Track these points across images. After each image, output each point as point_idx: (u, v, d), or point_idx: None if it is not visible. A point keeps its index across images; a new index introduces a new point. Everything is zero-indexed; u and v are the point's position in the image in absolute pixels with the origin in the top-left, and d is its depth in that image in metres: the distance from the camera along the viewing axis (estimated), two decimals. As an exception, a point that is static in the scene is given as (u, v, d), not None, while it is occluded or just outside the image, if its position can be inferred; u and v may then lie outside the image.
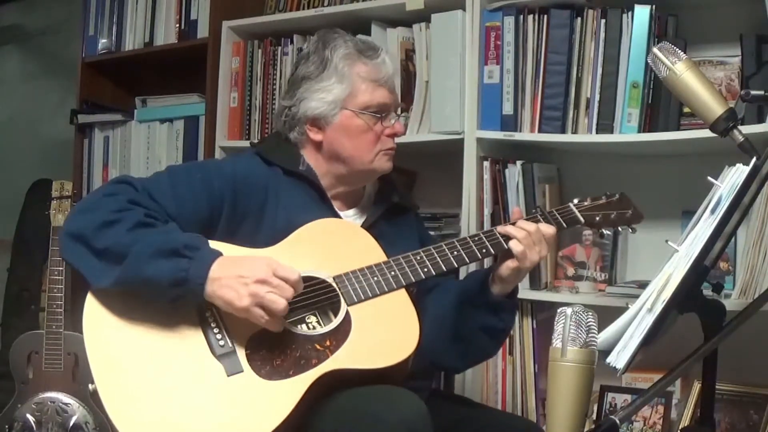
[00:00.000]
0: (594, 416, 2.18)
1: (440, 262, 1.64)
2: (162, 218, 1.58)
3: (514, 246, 1.64)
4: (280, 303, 1.47)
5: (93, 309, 1.54)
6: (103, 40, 3.13)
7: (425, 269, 1.63)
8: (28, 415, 2.58)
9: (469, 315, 1.73)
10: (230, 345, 1.52)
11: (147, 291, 1.50)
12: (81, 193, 3.17)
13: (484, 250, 1.66)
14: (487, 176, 2.32)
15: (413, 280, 1.62)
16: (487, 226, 2.31)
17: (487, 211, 2.32)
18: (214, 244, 1.56)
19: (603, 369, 1.32)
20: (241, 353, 1.51)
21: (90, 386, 1.51)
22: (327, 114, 1.73)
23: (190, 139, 2.96)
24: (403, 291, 1.61)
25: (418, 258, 1.64)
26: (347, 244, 1.66)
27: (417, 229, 1.92)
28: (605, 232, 1.79)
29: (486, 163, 2.32)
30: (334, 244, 1.65)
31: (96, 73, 3.20)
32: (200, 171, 1.69)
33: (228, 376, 1.48)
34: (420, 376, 1.69)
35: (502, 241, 1.66)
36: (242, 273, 1.48)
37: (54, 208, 2.73)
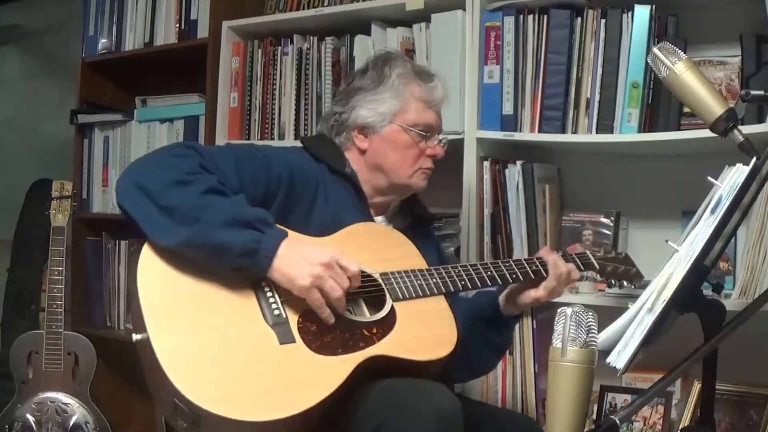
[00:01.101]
0: (594, 416, 2.18)
1: (476, 278, 1.75)
2: (231, 188, 1.60)
3: (549, 283, 1.77)
4: (337, 290, 1.53)
5: (149, 259, 1.54)
6: (103, 40, 3.13)
7: (463, 282, 1.73)
8: (28, 415, 2.58)
9: (477, 330, 1.82)
10: (284, 315, 1.54)
11: (213, 257, 1.51)
12: (81, 193, 3.17)
13: (514, 276, 1.78)
14: (487, 176, 2.32)
15: (452, 290, 1.72)
16: (487, 226, 2.31)
17: (487, 211, 2.32)
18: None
19: (603, 369, 1.33)
20: (293, 324, 1.54)
21: (134, 336, 1.49)
22: (376, 124, 1.82)
23: (190, 139, 2.95)
24: (442, 297, 1.70)
25: (457, 271, 1.74)
26: (392, 248, 1.75)
27: (436, 242, 2.04)
28: (613, 282, 1.94)
29: (486, 163, 2.32)
30: (381, 246, 1.74)
31: (96, 73, 3.20)
32: (261, 153, 1.73)
33: (280, 344, 1.51)
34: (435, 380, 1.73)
35: (531, 272, 1.78)
36: (308, 255, 1.53)
37: (54, 208, 2.73)
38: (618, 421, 1.17)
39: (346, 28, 2.63)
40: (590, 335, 1.36)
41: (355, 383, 1.51)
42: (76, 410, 2.59)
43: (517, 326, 2.27)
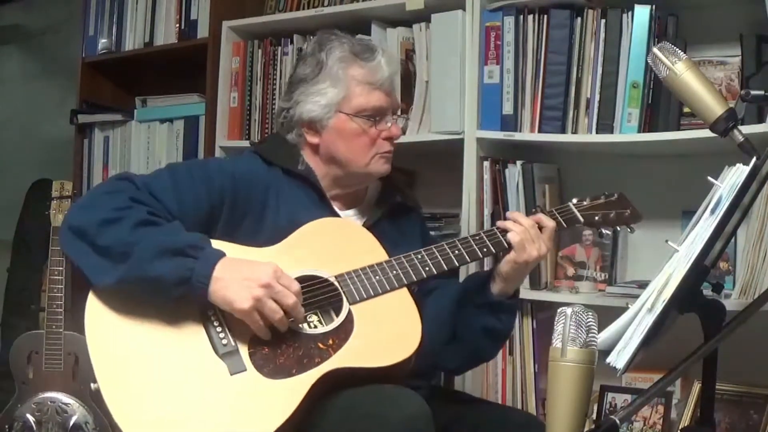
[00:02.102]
0: (594, 416, 2.18)
1: (441, 261, 1.65)
2: (164, 216, 1.58)
3: (512, 237, 1.66)
4: (278, 313, 1.49)
5: (95, 308, 1.54)
6: (103, 40, 3.13)
7: (426, 268, 1.64)
8: (28, 415, 2.57)
9: (469, 315, 1.73)
10: (233, 344, 1.52)
11: (151, 290, 1.50)
12: (81, 193, 3.16)
13: (485, 249, 1.67)
14: (487, 176, 2.32)
15: (414, 279, 1.63)
16: (487, 226, 2.31)
17: (487, 211, 2.32)
18: (216, 244, 1.56)
19: (603, 369, 1.32)
20: (243, 352, 1.51)
21: (92, 385, 1.50)
22: (322, 117, 1.73)
23: (190, 139, 2.96)
24: (404, 290, 1.62)
25: (420, 257, 1.65)
26: (348, 244, 1.67)
27: (419, 229, 1.92)
28: (604, 231, 1.80)
29: (486, 163, 2.32)
30: (336, 244, 1.66)
31: (96, 73, 3.19)
32: (201, 169, 1.70)
33: (231, 374, 1.49)
34: (420, 375, 1.70)
35: (503, 240, 1.68)
36: (246, 275, 1.49)
37: (54, 208, 2.72)
38: (618, 421, 1.17)
39: (346, 28, 2.60)
40: (590, 335, 1.35)
41: (317, 399, 1.47)
42: (76, 410, 2.58)
43: (517, 326, 2.28)
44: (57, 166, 3.47)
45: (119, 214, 1.53)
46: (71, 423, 2.57)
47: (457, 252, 1.66)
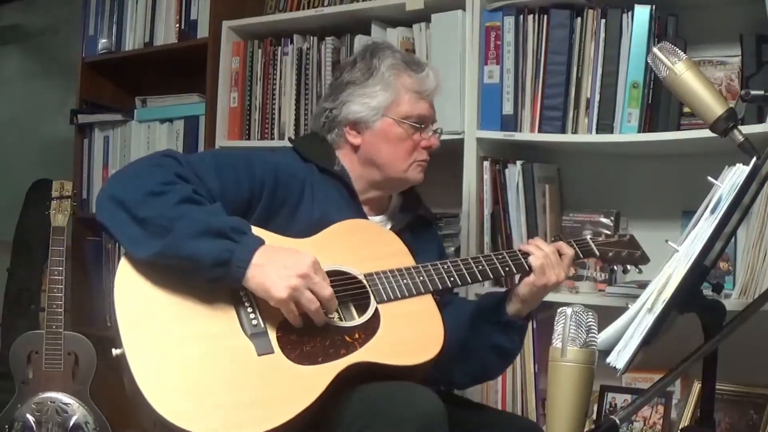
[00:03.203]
0: (594, 416, 2.18)
1: (466, 274, 1.70)
2: (207, 197, 1.59)
3: (533, 261, 1.70)
4: (315, 303, 1.50)
5: (126, 273, 1.53)
6: (103, 40, 3.13)
7: (452, 278, 1.68)
8: (28, 415, 2.58)
9: (482, 332, 1.78)
10: (262, 325, 1.53)
11: (187, 268, 1.49)
12: (81, 193, 3.17)
13: (507, 268, 1.72)
14: (487, 176, 2.32)
15: (440, 287, 1.67)
16: (487, 226, 2.31)
17: (487, 211, 2.32)
18: (254, 231, 1.57)
19: (603, 369, 1.32)
20: (272, 335, 1.52)
21: (114, 351, 1.49)
22: (368, 119, 1.78)
23: (190, 139, 2.96)
24: (429, 296, 1.66)
25: (446, 267, 1.69)
26: (378, 246, 1.71)
27: (437, 243, 1.98)
28: (615, 268, 1.88)
29: (486, 163, 2.32)
30: (366, 244, 1.70)
31: (96, 73, 3.20)
32: (244, 157, 1.71)
33: (258, 355, 1.49)
34: (430, 382, 1.71)
35: (524, 262, 1.72)
36: (286, 264, 1.50)
37: (54, 208, 2.73)
38: (618, 421, 1.17)
39: (346, 28, 2.63)
40: (590, 335, 1.36)
41: (337, 390, 1.48)
42: (76, 410, 2.58)
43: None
44: (57, 166, 3.47)
45: (164, 188, 1.53)
46: (71, 423, 2.57)
47: (480, 267, 1.71)
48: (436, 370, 1.66)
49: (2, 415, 2.60)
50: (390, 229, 1.82)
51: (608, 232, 2.06)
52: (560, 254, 1.74)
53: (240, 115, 2.80)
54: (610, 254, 1.84)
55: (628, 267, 1.87)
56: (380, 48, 1.84)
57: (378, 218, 1.85)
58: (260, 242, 1.52)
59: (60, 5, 3.89)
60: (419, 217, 1.90)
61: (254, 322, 1.52)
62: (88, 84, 3.18)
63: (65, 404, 2.59)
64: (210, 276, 1.49)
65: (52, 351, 2.61)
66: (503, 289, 1.85)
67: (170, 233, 1.48)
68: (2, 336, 3.34)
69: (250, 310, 1.54)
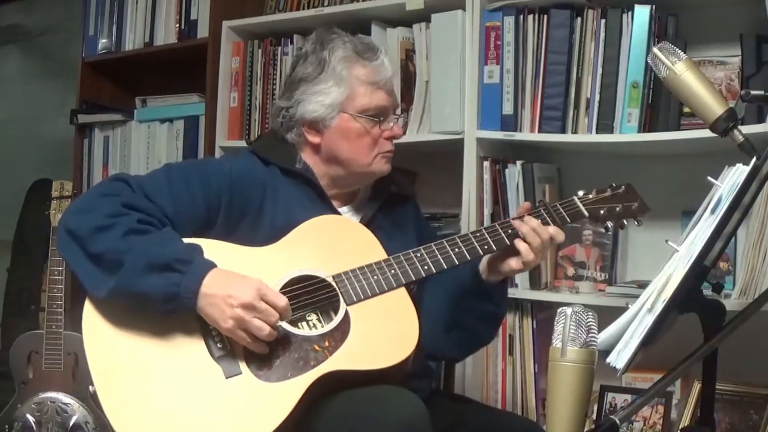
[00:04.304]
0: (594, 416, 2.18)
1: (441, 260, 1.63)
2: (158, 219, 1.57)
3: (525, 253, 1.63)
4: (264, 329, 1.48)
5: (92, 312, 1.55)
6: (103, 40, 3.13)
7: (425, 267, 1.62)
8: (28, 415, 2.58)
9: (466, 304, 1.73)
10: (228, 347, 1.52)
11: (141, 305, 1.50)
12: (81, 192, 3.17)
13: (485, 246, 1.65)
14: (487, 176, 2.32)
15: (413, 279, 1.62)
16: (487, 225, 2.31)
17: (487, 211, 2.32)
18: (212, 244, 1.56)
19: (603, 369, 1.32)
20: (239, 355, 1.51)
21: (90, 388, 1.51)
22: (325, 117, 1.72)
23: (190, 139, 2.96)
24: (402, 289, 1.61)
25: (419, 255, 1.63)
26: (347, 242, 1.66)
27: (415, 217, 1.91)
28: (609, 225, 1.75)
29: (486, 163, 2.32)
30: (334, 242, 1.65)
31: (96, 73, 3.19)
32: (198, 169, 1.69)
33: (226, 378, 1.48)
34: (419, 376, 1.69)
35: (505, 238, 1.65)
36: (231, 293, 1.48)
37: (54, 208, 2.73)
38: (618, 421, 1.17)
39: (346, 28, 2.60)
40: (590, 335, 1.36)
41: (313, 401, 1.47)
42: (76, 410, 2.58)
43: (517, 326, 2.28)
44: (57, 166, 3.47)
45: (111, 221, 1.52)
46: (71, 423, 2.57)
47: (457, 250, 1.64)
48: (428, 350, 1.65)
49: (2, 415, 2.60)
50: (361, 218, 1.77)
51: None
52: (551, 238, 1.66)
53: (240, 115, 2.79)
54: (602, 212, 1.71)
55: (625, 222, 1.74)
56: (329, 39, 1.76)
57: (346, 209, 1.79)
58: (208, 268, 1.51)
59: (60, 5, 3.89)
60: (393, 195, 1.83)
61: (219, 345, 1.52)
62: (88, 84, 3.18)
63: (65, 404, 2.59)
64: (163, 310, 1.50)
65: (52, 351, 2.61)
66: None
67: (121, 268, 1.48)
68: (2, 336, 3.35)
69: (215, 333, 1.53)
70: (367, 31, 2.54)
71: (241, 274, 1.53)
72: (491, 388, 2.33)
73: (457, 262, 1.65)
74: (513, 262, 1.65)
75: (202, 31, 2.90)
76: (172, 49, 2.98)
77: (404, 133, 1.79)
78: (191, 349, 1.51)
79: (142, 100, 3.14)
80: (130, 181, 1.62)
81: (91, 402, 2.59)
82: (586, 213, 1.72)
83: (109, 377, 1.48)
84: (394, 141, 1.77)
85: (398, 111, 1.81)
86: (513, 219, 1.68)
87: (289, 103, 1.75)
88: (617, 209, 1.72)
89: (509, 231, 1.66)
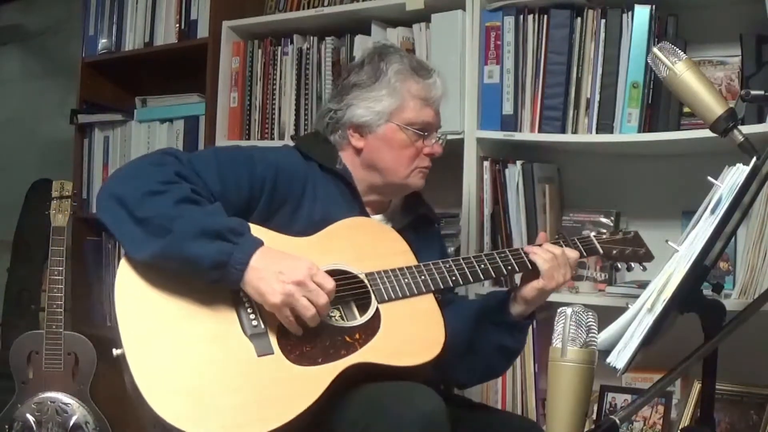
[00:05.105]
0: (594, 416, 2.18)
1: (468, 273, 1.69)
2: (206, 196, 1.58)
3: (542, 264, 1.69)
4: (310, 310, 1.49)
5: (126, 273, 1.53)
6: (103, 40, 3.13)
7: (453, 278, 1.68)
8: (28, 415, 2.58)
9: (485, 332, 1.77)
10: (262, 326, 1.53)
11: (186, 269, 1.50)
12: (81, 193, 3.17)
13: (509, 267, 1.72)
14: (487, 176, 2.32)
15: (441, 286, 1.67)
16: (487, 226, 2.31)
17: (487, 211, 2.32)
18: (255, 230, 1.57)
19: (603, 369, 1.32)
20: (272, 335, 1.52)
21: (115, 351, 1.49)
22: (372, 123, 1.76)
23: (190, 139, 2.96)
24: (431, 296, 1.66)
25: (447, 266, 1.69)
26: (380, 244, 1.70)
27: (438, 242, 1.98)
28: (619, 266, 1.86)
29: (486, 163, 2.32)
30: (368, 243, 1.69)
31: (96, 73, 3.20)
32: (244, 155, 1.71)
33: (258, 356, 1.49)
34: (430, 382, 1.70)
35: (527, 261, 1.71)
36: (282, 269, 1.49)
37: (54, 208, 2.73)
38: (618, 421, 1.17)
39: (346, 28, 2.63)
40: (590, 335, 1.36)
41: (337, 390, 1.48)
42: (76, 410, 2.58)
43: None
44: (57, 166, 3.47)
45: (164, 188, 1.52)
46: (71, 423, 2.58)
47: (483, 266, 1.70)
48: (441, 370, 1.66)
49: (2, 415, 2.60)
50: (392, 227, 1.81)
51: (611, 230, 2.04)
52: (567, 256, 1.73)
53: (240, 115, 2.80)
54: (614, 252, 1.83)
55: (632, 265, 1.85)
56: (389, 52, 1.83)
57: (378, 217, 1.84)
58: (258, 244, 1.52)
59: (60, 5, 3.89)
60: (420, 216, 1.89)
61: (254, 323, 1.52)
62: (88, 84, 3.18)
63: (65, 404, 2.59)
64: (208, 278, 1.50)
65: (52, 351, 2.61)
66: (505, 289, 1.85)
67: (169, 234, 1.48)
68: (2, 336, 3.34)
69: (250, 310, 1.54)
70: (367, 32, 2.54)
71: (290, 254, 1.55)
72: (491, 388, 2.33)
73: (482, 278, 1.72)
74: (535, 282, 1.70)
75: (202, 31, 2.90)
76: (172, 49, 2.98)
77: (441, 153, 1.84)
78: (224, 324, 1.51)
79: (142, 100, 3.14)
80: (180, 156, 1.63)
81: (91, 402, 2.59)
82: (600, 250, 1.82)
83: (139, 339, 1.47)
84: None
85: (440, 131, 1.85)
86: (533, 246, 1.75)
87: (339, 106, 1.80)
88: (627, 252, 1.84)
89: (529, 254, 1.72)
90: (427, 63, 1.89)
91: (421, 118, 1.78)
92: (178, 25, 2.98)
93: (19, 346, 2.65)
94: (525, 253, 1.73)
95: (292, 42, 2.70)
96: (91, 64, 3.18)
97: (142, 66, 3.18)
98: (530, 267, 1.71)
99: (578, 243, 1.80)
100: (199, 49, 2.85)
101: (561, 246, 1.74)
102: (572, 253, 1.74)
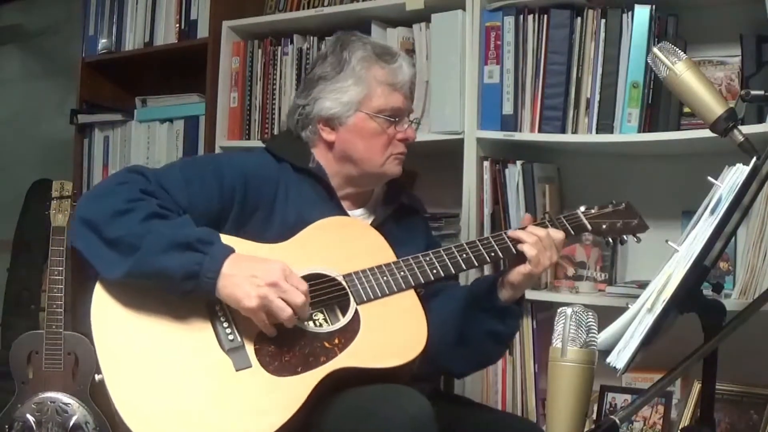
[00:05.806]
0: (594, 416, 2.18)
1: (449, 265, 1.66)
2: (174, 210, 1.58)
3: (528, 250, 1.65)
4: (286, 310, 1.48)
5: (101, 299, 1.54)
6: (103, 40, 3.13)
7: (434, 270, 1.65)
8: (28, 415, 2.58)
9: (475, 320, 1.74)
10: (239, 339, 1.52)
11: (158, 284, 1.50)
12: (81, 193, 3.17)
13: (492, 254, 1.68)
14: (487, 176, 2.32)
15: (422, 281, 1.64)
16: (487, 226, 2.31)
17: (487, 211, 2.32)
18: (225, 239, 1.56)
19: (603, 369, 1.32)
20: (249, 348, 1.51)
21: (96, 376, 1.49)
22: (341, 114, 1.74)
23: (190, 139, 2.96)
24: (411, 291, 1.63)
25: (428, 259, 1.65)
26: (357, 243, 1.67)
27: (424, 231, 1.93)
28: (610, 240, 1.81)
29: (486, 163, 2.32)
30: (344, 242, 1.66)
31: (96, 73, 3.20)
32: (212, 164, 1.70)
33: (236, 370, 1.49)
34: (423, 379, 1.69)
35: (512, 246, 1.68)
36: (255, 273, 1.48)
37: (54, 208, 2.73)
38: (618, 421, 1.17)
39: (346, 28, 2.60)
40: (590, 335, 1.36)
41: (322, 397, 1.47)
42: (76, 410, 2.58)
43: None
44: (57, 166, 3.47)
45: (129, 206, 1.53)
46: (71, 423, 2.57)
47: (465, 255, 1.67)
48: (434, 362, 1.65)
49: (2, 415, 2.60)
50: (372, 222, 1.78)
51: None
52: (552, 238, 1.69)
53: (240, 115, 2.80)
54: (604, 226, 1.77)
55: (625, 237, 1.79)
56: (350, 40, 1.79)
57: (359, 211, 1.82)
58: (229, 251, 1.51)
59: (60, 5, 3.89)
60: (403, 205, 1.85)
61: (230, 336, 1.52)
62: (88, 84, 3.18)
63: (65, 404, 2.59)
64: (182, 289, 1.49)
65: (52, 351, 2.61)
66: (493, 274, 1.81)
67: (138, 250, 1.48)
68: (2, 336, 3.34)
69: (225, 324, 1.53)
70: (367, 31, 2.54)
71: (262, 257, 1.54)
72: (491, 388, 2.33)
73: (464, 267, 1.68)
74: (521, 267, 1.67)
75: (202, 31, 2.90)
76: (172, 49, 2.99)
77: (415, 137, 1.80)
78: (201, 340, 1.51)
79: (142, 100, 3.14)
80: (146, 173, 1.63)
81: (91, 402, 2.59)
82: (589, 226, 1.77)
83: (117, 364, 1.47)
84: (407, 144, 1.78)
85: (412, 116, 1.82)
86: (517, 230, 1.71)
87: (306, 101, 1.77)
88: (618, 225, 1.78)
89: (513, 238, 1.68)
90: (392, 47, 1.85)
91: (390, 104, 1.74)
92: (178, 25, 2.98)
93: (19, 346, 2.65)
94: (509, 237, 1.69)
95: (292, 42, 2.70)
96: (91, 64, 3.18)
97: (142, 66, 3.18)
98: (515, 252, 1.67)
99: (565, 222, 1.75)
100: (199, 49, 2.85)
101: (546, 226, 1.70)
102: (557, 234, 1.69)
